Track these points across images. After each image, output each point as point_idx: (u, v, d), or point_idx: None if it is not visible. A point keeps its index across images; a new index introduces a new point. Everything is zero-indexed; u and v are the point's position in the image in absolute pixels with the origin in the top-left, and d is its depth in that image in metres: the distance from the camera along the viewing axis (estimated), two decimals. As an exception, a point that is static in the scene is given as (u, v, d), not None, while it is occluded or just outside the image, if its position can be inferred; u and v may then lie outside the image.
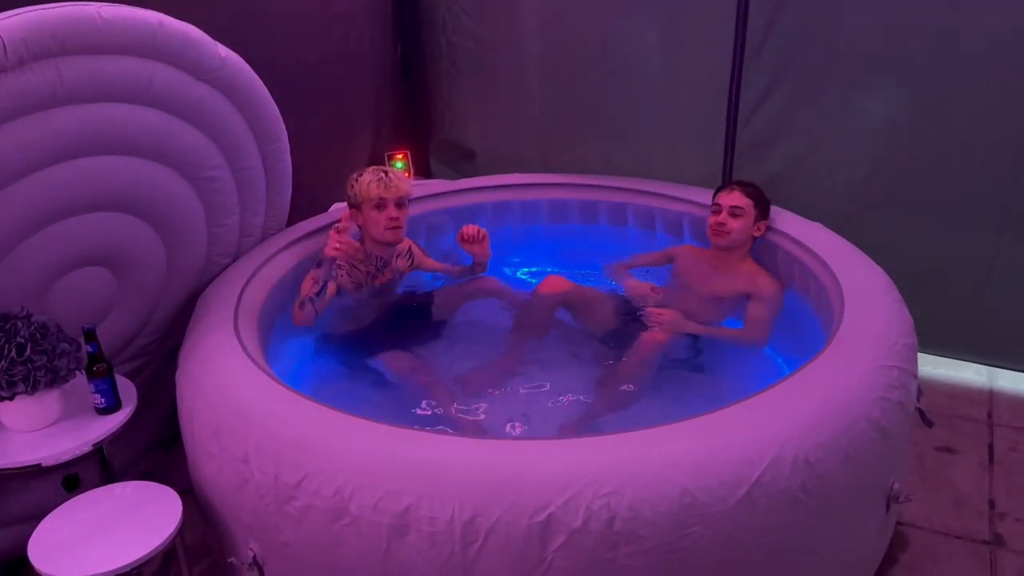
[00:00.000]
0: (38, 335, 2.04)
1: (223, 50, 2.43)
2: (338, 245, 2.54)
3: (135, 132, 2.32)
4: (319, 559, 1.83)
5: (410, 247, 2.96)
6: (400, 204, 2.71)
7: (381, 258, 2.82)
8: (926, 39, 2.87)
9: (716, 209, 2.82)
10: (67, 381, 2.11)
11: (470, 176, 3.80)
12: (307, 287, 2.60)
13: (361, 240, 2.81)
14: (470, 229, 2.84)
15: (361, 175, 2.72)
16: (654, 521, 1.66)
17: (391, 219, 2.69)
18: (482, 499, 1.67)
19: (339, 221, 2.64)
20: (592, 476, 1.67)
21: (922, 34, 2.87)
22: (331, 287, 2.67)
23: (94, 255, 2.40)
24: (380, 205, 2.68)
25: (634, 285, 3.00)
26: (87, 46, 2.11)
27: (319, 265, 2.58)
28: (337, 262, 2.68)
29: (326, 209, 3.29)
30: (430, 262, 3.07)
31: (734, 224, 2.78)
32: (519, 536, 1.66)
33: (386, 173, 2.71)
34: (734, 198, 2.79)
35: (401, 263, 2.91)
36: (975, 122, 2.90)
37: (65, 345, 2.09)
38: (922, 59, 2.90)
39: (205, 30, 2.37)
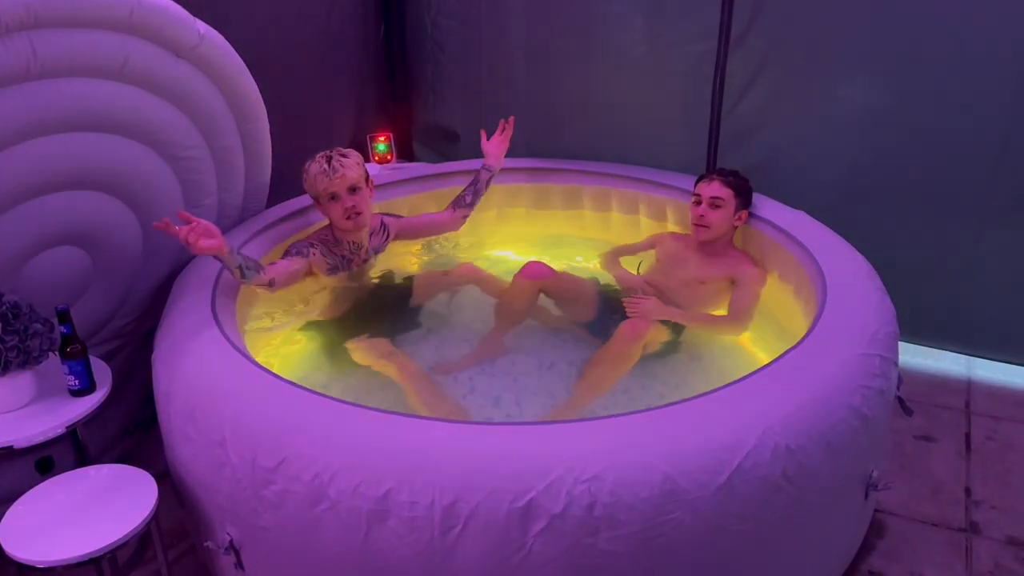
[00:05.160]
0: (10, 315, 2.00)
1: (202, 27, 2.39)
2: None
3: (111, 109, 2.28)
4: (297, 544, 1.82)
5: (382, 221, 2.91)
6: (354, 189, 2.62)
7: (353, 242, 2.77)
8: (909, 30, 2.86)
9: (696, 200, 2.81)
10: (40, 362, 2.08)
11: (453, 159, 3.78)
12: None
13: (330, 226, 2.76)
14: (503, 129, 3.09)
15: (309, 167, 2.63)
16: (635, 506, 1.65)
17: (347, 209, 2.62)
18: (463, 484, 1.66)
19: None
20: (573, 461, 1.67)
21: (906, 25, 2.86)
22: (266, 277, 2.43)
23: (68, 234, 2.36)
24: (333, 197, 2.62)
25: (625, 276, 2.99)
26: (62, 20, 2.06)
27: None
28: (308, 242, 2.66)
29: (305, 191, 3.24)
30: (412, 225, 3.02)
31: (713, 217, 2.77)
32: (499, 521, 1.65)
33: (330, 161, 2.59)
34: (713, 188, 2.78)
35: (376, 241, 2.87)
36: (958, 112, 2.90)
37: (38, 325, 2.06)
38: (905, 50, 2.90)
39: (184, 6, 2.33)
